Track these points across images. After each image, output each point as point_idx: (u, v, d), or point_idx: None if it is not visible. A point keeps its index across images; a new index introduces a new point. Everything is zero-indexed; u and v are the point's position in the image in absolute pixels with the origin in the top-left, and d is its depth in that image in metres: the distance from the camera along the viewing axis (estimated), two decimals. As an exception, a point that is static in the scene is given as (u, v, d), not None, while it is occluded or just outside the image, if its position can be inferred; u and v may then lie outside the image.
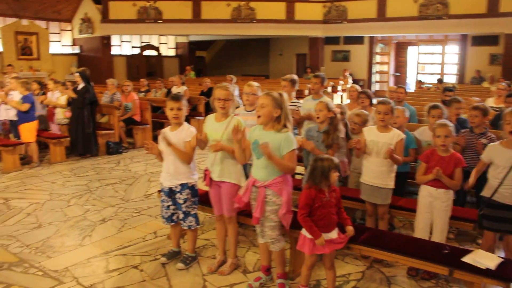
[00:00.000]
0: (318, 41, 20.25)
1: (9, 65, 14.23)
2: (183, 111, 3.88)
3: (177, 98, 3.87)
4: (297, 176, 6.05)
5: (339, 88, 16.50)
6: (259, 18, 19.51)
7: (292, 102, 5.73)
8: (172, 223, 4.12)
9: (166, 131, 3.97)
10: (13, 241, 4.69)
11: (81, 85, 8.30)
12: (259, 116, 3.39)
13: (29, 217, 5.41)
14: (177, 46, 24.59)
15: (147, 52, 22.66)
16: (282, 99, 3.38)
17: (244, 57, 25.62)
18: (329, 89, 14.85)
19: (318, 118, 4.42)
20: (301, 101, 6.02)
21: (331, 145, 4.24)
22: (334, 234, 3.36)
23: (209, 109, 10.53)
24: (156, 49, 23.10)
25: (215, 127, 3.78)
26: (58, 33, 20.57)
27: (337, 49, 22.07)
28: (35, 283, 3.82)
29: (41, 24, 19.37)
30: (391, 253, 3.44)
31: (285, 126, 3.39)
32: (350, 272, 4.01)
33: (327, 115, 4.34)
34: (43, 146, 8.98)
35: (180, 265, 4.05)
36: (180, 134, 3.88)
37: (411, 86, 19.81)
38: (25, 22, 18.53)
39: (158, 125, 10.44)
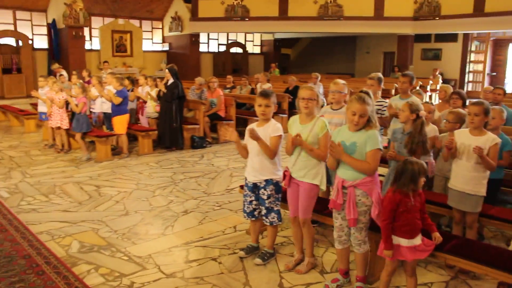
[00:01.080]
0: (407, 39, 19.53)
1: (105, 61, 15.24)
2: (271, 108, 3.91)
3: (266, 94, 3.90)
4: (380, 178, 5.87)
5: (428, 88, 15.82)
6: (346, 15, 19.19)
7: (378, 101, 5.58)
8: (253, 218, 4.16)
9: (253, 126, 4.02)
10: (102, 226, 4.99)
11: (170, 80, 8.62)
12: (356, 124, 3.34)
13: (117, 204, 5.72)
14: (263, 43, 24.84)
15: (233, 49, 23.12)
16: (372, 100, 3.34)
17: (330, 55, 25.31)
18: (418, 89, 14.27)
19: (398, 117, 4.27)
20: (387, 100, 5.84)
21: (414, 149, 4.03)
22: (417, 240, 3.22)
23: (292, 107, 10.54)
24: (242, 46, 23.49)
25: (299, 129, 3.75)
26: (150, 31, 21.59)
27: (428, 47, 21.14)
28: (121, 266, 4.03)
29: (135, 23, 20.46)
30: (481, 264, 3.19)
31: (372, 124, 3.33)
32: (432, 281, 3.82)
33: (409, 116, 4.15)
34: (132, 138, 9.43)
35: (258, 260, 4.08)
36: (266, 129, 3.91)
37: (509, 87, 18.49)
38: (121, 21, 19.67)
39: (242, 121, 10.63)
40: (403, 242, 3.21)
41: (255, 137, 3.81)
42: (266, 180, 3.95)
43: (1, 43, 16.65)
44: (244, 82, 11.80)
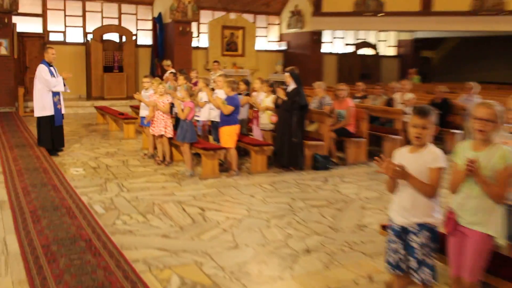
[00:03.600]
0: None
1: (216, 61, 15.53)
2: (429, 130, 3.52)
3: (423, 112, 3.52)
4: None
5: None
6: (509, 9, 17.89)
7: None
8: (399, 272, 3.74)
9: (403, 152, 3.63)
10: (207, 259, 4.90)
11: (291, 86, 8.52)
12: None
13: (225, 234, 5.63)
14: (399, 44, 24.24)
15: (362, 51, 22.80)
16: None
17: (483, 59, 23.92)
18: None
19: None
20: None
21: None
22: None
23: (443, 125, 9.88)
24: (373, 47, 23.05)
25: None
26: (265, 28, 21.96)
27: None
28: (230, 316, 3.85)
29: (249, 18, 20.91)
30: None
31: None
32: None
33: None
34: (242, 153, 9.47)
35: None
36: (421, 157, 3.52)
37: None
38: (232, 16, 20.21)
39: (374, 140, 10.22)
40: None
41: (402, 175, 3.48)
42: (419, 224, 3.55)
43: (105, 38, 17.83)
44: (378, 91, 11.39)
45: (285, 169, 8.76)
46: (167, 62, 14.25)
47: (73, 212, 6.02)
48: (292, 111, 8.42)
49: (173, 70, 13.29)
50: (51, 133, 9.55)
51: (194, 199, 6.92)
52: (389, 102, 11.10)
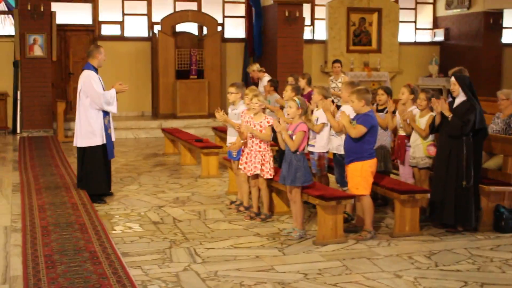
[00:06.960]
0: None
1: (337, 61, 15.26)
2: None
3: None
4: None
5: None
6: None
7: None
8: None
9: None
10: None
11: (459, 98, 8.26)
12: None
13: None
14: None
15: None
16: None
17: None
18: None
19: None
20: None
21: None
22: None
23: None
24: None
25: None
26: (412, 9, 22.07)
27: None
28: None
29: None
30: None
31: None
32: None
33: None
34: (380, 202, 9.35)
35: None
36: None
37: None
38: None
39: None
40: None
41: None
42: None
43: (178, 30, 18.10)
44: None
45: (449, 230, 8.42)
46: (254, 67, 14.24)
47: (116, 297, 5.95)
48: (462, 137, 8.08)
49: (267, 76, 13.27)
50: (102, 171, 9.80)
51: (304, 279, 6.66)
52: None
